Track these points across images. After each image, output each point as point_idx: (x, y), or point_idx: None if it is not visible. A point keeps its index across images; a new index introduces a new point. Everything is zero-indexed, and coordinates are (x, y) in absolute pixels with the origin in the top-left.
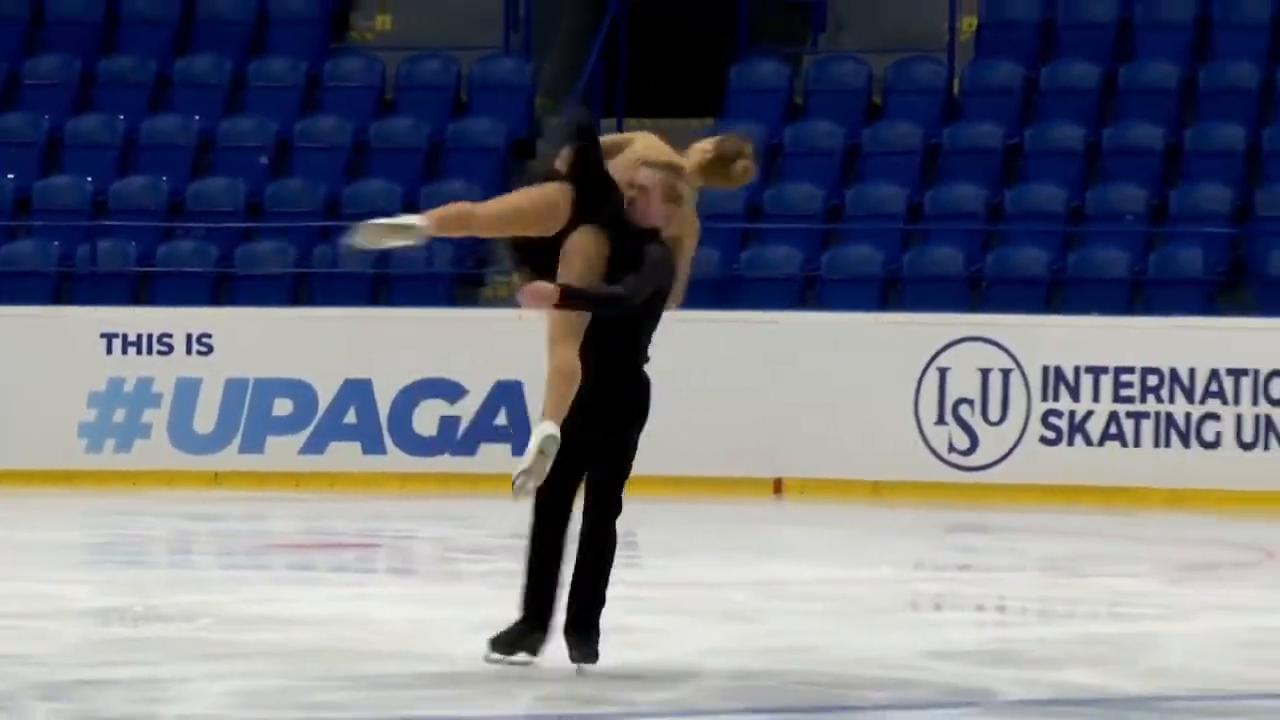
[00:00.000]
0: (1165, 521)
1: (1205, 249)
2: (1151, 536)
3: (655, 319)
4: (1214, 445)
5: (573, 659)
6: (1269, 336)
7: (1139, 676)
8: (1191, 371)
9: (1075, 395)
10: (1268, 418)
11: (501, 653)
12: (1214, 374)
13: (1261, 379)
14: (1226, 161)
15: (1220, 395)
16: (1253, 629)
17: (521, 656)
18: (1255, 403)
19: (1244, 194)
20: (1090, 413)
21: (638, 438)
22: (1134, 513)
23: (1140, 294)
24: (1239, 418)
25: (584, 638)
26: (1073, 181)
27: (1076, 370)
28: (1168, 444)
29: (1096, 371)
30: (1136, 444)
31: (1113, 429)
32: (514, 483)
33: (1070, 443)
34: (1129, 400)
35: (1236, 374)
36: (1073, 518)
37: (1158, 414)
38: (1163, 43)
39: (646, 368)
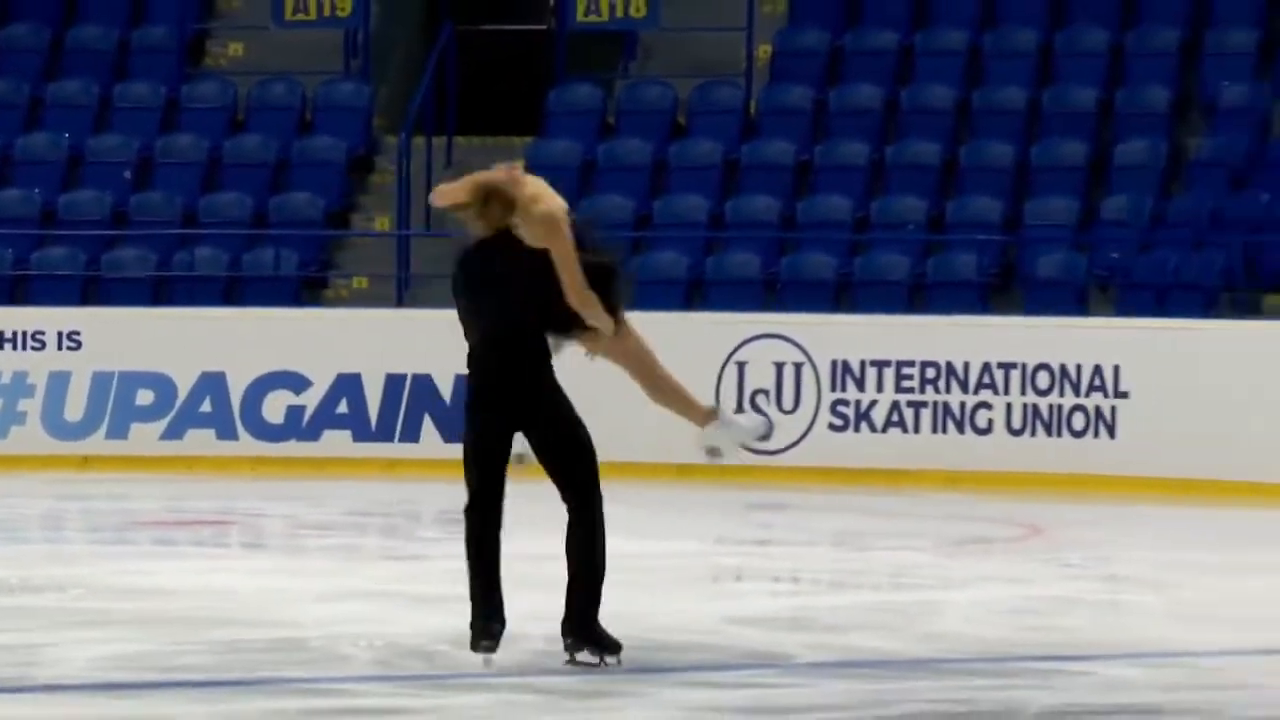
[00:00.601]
0: (942, 500)
1: (979, 254)
2: (930, 514)
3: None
4: (986, 431)
5: (600, 656)
6: (1035, 334)
7: (919, 641)
8: (966, 365)
9: (861, 386)
10: (1034, 406)
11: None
12: (986, 367)
13: (1029, 372)
14: (998, 176)
15: (992, 386)
16: (1020, 597)
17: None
18: (1023, 393)
19: (1013, 205)
20: (875, 402)
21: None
22: (914, 493)
23: (920, 295)
24: (1009, 407)
25: (598, 634)
26: (858, 193)
27: (862, 364)
28: (944, 430)
29: (880, 365)
30: (916, 430)
31: (895, 417)
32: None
33: (857, 429)
34: (909, 391)
35: (1006, 367)
36: (859, 497)
37: (935, 403)
38: (941, 68)
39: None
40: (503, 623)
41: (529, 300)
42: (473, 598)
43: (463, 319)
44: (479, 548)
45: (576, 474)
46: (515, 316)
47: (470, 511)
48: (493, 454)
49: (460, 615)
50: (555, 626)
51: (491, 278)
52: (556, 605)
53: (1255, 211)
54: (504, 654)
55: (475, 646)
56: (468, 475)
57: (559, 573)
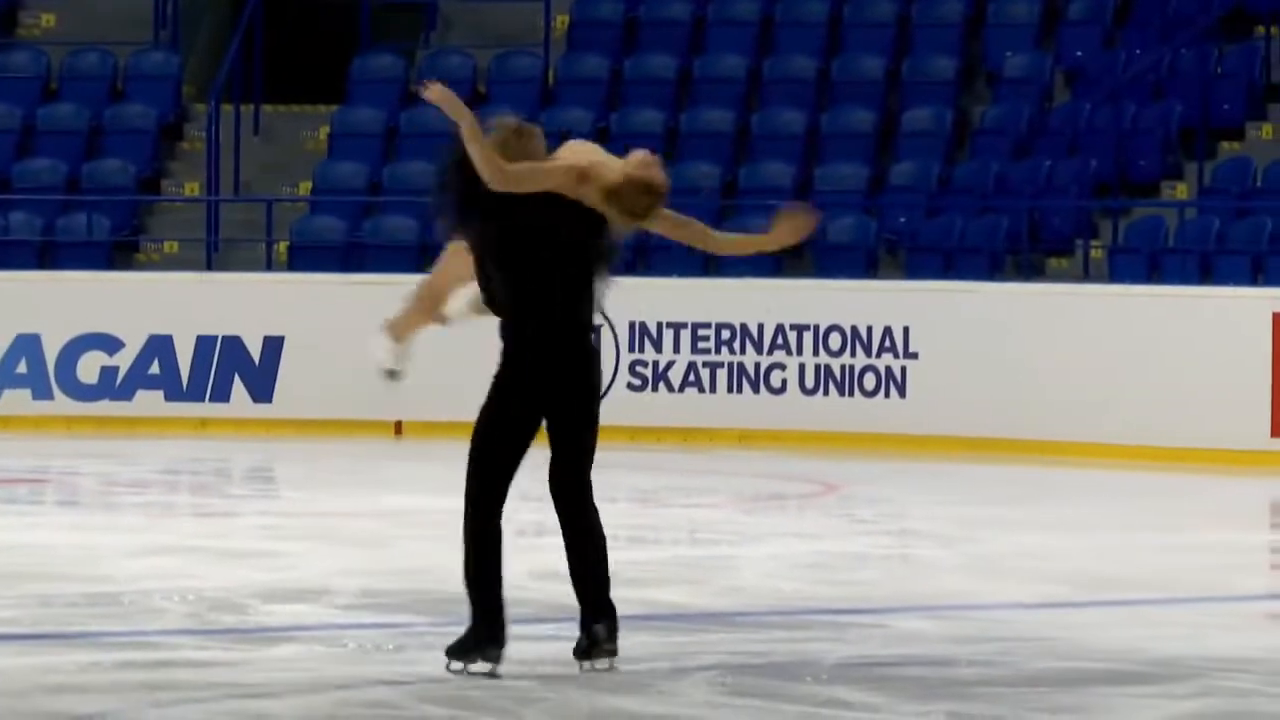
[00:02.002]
0: (738, 458)
1: (769, 218)
2: (726, 471)
3: (590, 278)
4: (780, 391)
5: (603, 654)
6: (827, 296)
7: (717, 595)
8: (760, 326)
9: (658, 347)
10: (826, 367)
11: (461, 661)
12: (780, 329)
13: (821, 333)
14: (789, 142)
15: (785, 347)
16: (814, 552)
17: (480, 666)
18: (815, 354)
19: (804, 171)
20: (672, 363)
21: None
22: (711, 451)
23: (715, 259)
24: (801, 367)
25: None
26: None
27: (659, 326)
28: (740, 390)
29: (677, 327)
30: (712, 390)
31: (691, 377)
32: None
33: (655, 389)
34: (706, 352)
35: (799, 329)
36: (658, 455)
37: (731, 364)
38: (733, 38)
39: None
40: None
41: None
42: (483, 600)
43: (543, 281)
44: (491, 543)
45: (584, 472)
46: (597, 301)
47: (482, 501)
48: (525, 445)
49: (269, 570)
50: (365, 580)
51: (595, 253)
52: (367, 560)
53: (1037, 177)
54: (314, 607)
55: (486, 656)
56: (487, 462)
57: (370, 529)
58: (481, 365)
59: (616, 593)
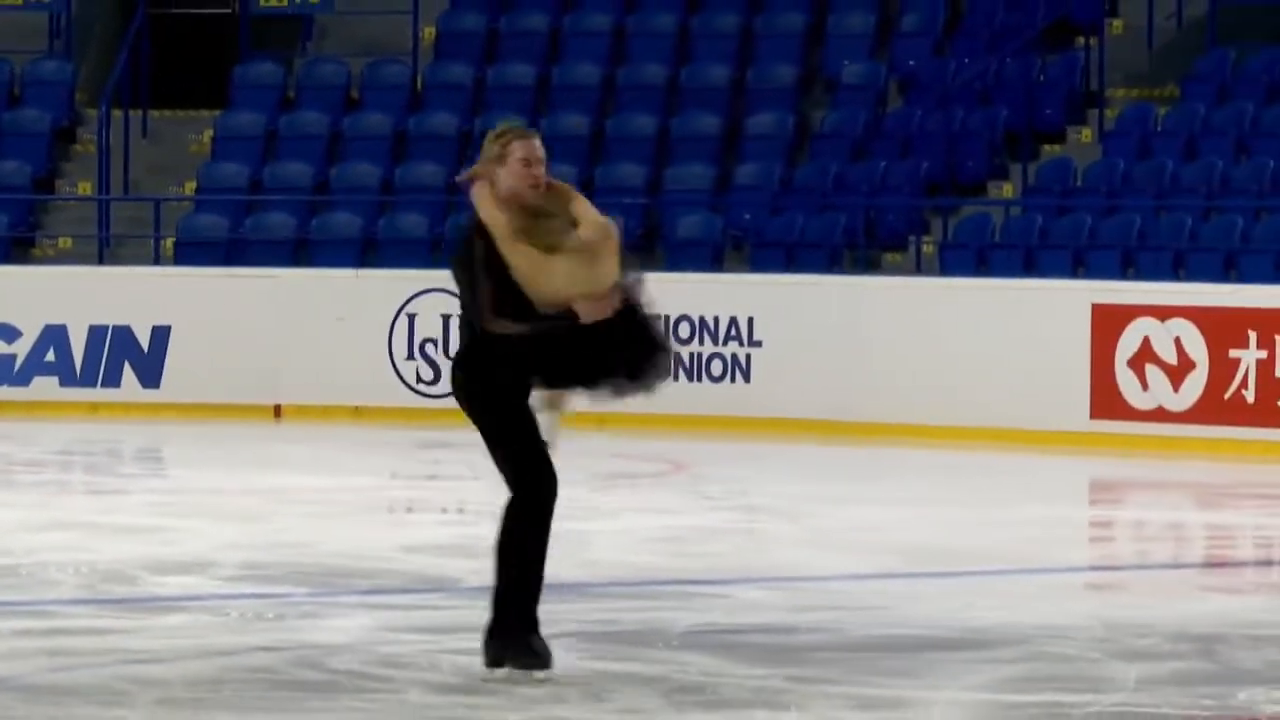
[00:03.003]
0: (592, 439)
1: (625, 216)
2: (582, 451)
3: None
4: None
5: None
6: (677, 288)
7: (572, 567)
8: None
9: None
10: (677, 355)
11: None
12: None
13: (671, 323)
14: (641, 145)
15: None
16: (664, 527)
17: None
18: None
19: (655, 171)
20: None
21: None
22: (568, 432)
23: None
24: None
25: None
26: None
27: None
28: None
29: None
30: None
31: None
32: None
33: None
34: None
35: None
36: None
37: None
38: (588, 48)
39: None
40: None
41: None
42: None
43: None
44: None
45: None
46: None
47: (542, 492)
48: None
49: (157, 544)
50: (247, 554)
51: None
52: (249, 534)
53: (873, 178)
54: (200, 579)
55: (543, 664)
56: (528, 461)
57: (252, 505)
58: (352, 353)
59: (478, 563)
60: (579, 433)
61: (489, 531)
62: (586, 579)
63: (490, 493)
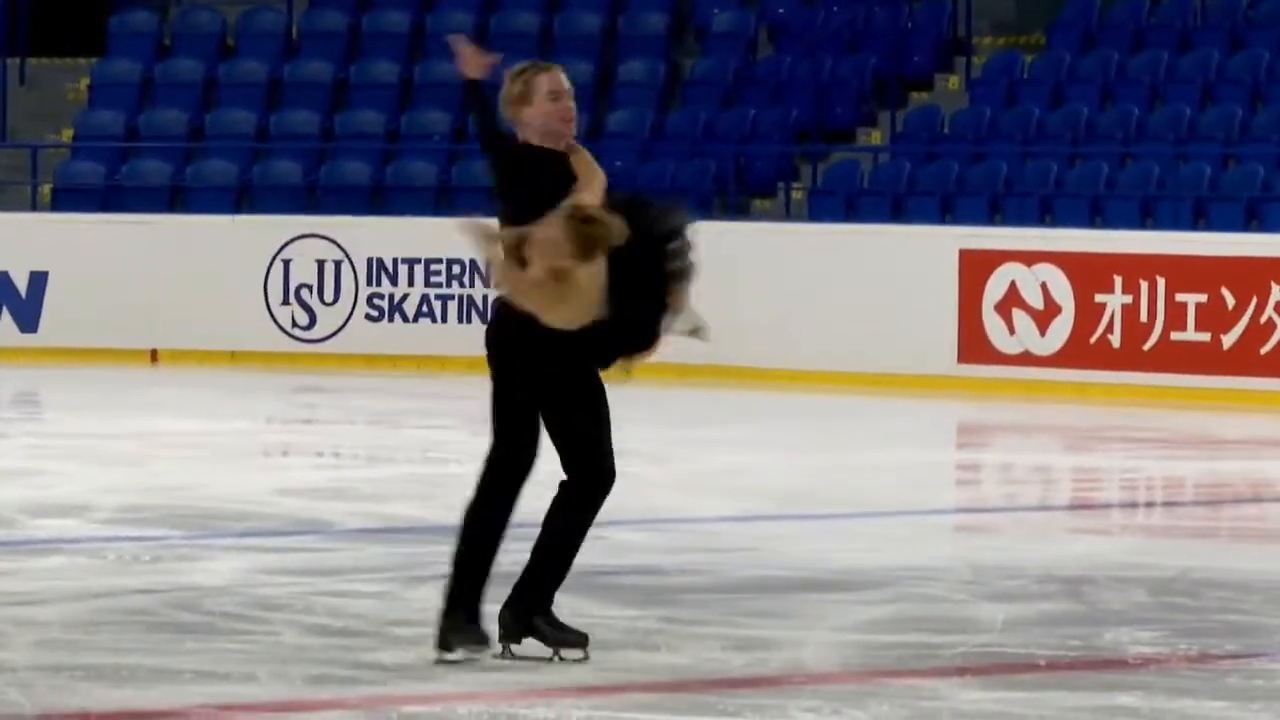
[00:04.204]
0: (466, 383)
1: None
2: (456, 395)
3: None
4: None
5: (550, 642)
6: None
7: (449, 509)
8: (488, 262)
9: (394, 281)
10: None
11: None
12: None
13: None
14: None
15: None
16: (539, 470)
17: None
18: None
19: None
20: (406, 295)
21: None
22: (442, 377)
23: (446, 198)
24: None
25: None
26: (390, 108)
27: (395, 261)
28: (469, 321)
29: (411, 262)
30: (444, 320)
31: (425, 309)
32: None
33: (391, 320)
34: (438, 285)
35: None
36: (393, 381)
37: (461, 296)
38: None
39: None
40: None
41: None
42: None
43: None
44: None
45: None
46: None
47: (606, 478)
48: None
49: (35, 488)
50: (124, 497)
51: None
52: (126, 478)
53: (743, 125)
54: (77, 522)
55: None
56: (596, 441)
57: (129, 449)
58: (228, 299)
59: (354, 506)
60: (454, 376)
61: (364, 475)
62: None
63: (364, 437)
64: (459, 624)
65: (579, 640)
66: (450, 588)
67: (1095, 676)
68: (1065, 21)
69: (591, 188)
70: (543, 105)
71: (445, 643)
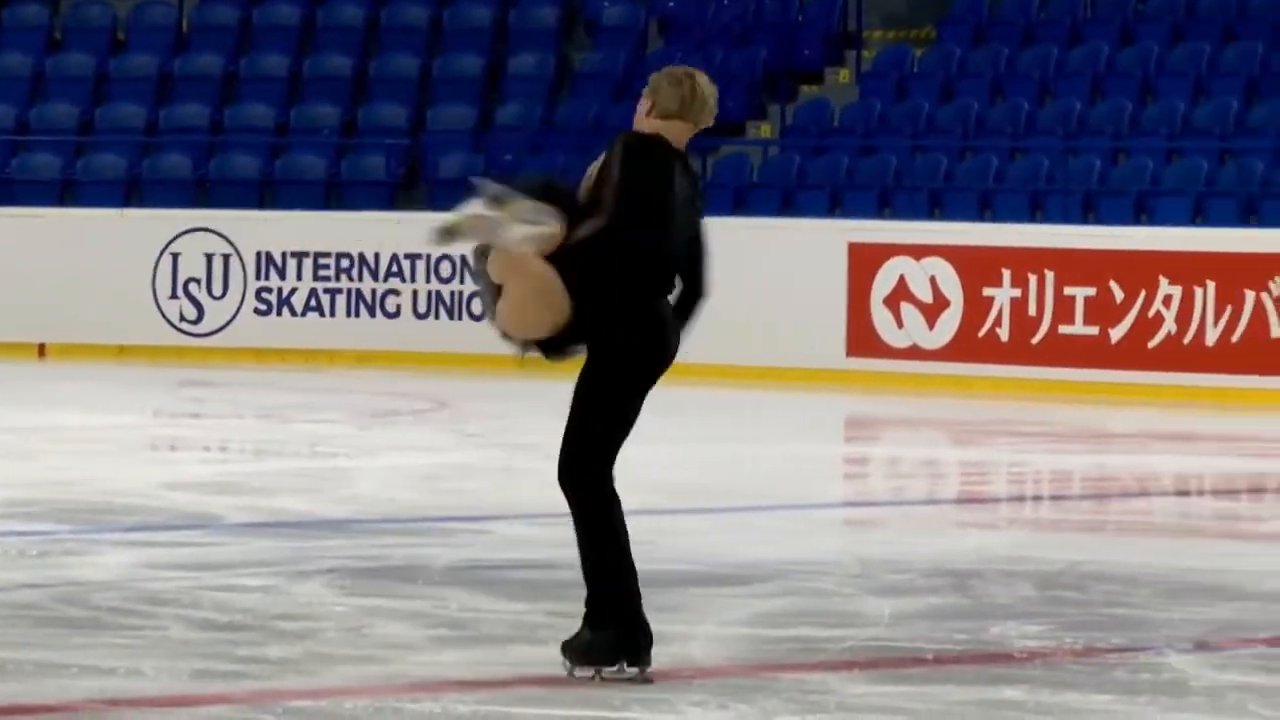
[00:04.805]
0: (355, 377)
1: (387, 157)
2: (344, 389)
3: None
4: (394, 315)
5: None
6: None
7: (336, 503)
8: (376, 256)
9: (282, 275)
10: (438, 293)
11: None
12: (395, 258)
13: (433, 262)
14: (403, 86)
15: (400, 275)
16: (427, 465)
17: (629, 670)
18: (428, 281)
19: (417, 112)
20: (295, 289)
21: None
22: (331, 371)
23: (335, 193)
24: (415, 293)
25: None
26: (279, 101)
27: (284, 255)
28: (358, 315)
29: (300, 256)
30: (332, 315)
31: (313, 302)
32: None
33: (279, 314)
34: (326, 279)
35: (413, 258)
36: (281, 375)
37: (349, 290)
38: None
39: None
40: None
41: None
42: (624, 595)
43: (672, 257)
44: (620, 525)
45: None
46: None
47: (605, 480)
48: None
49: None
50: (12, 491)
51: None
52: (13, 472)
53: (632, 118)
54: None
55: (638, 661)
56: (604, 440)
57: (17, 443)
58: (117, 293)
59: (241, 500)
60: (342, 370)
61: (253, 469)
62: (350, 515)
63: (251, 431)
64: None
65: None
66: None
67: (981, 670)
68: (956, 16)
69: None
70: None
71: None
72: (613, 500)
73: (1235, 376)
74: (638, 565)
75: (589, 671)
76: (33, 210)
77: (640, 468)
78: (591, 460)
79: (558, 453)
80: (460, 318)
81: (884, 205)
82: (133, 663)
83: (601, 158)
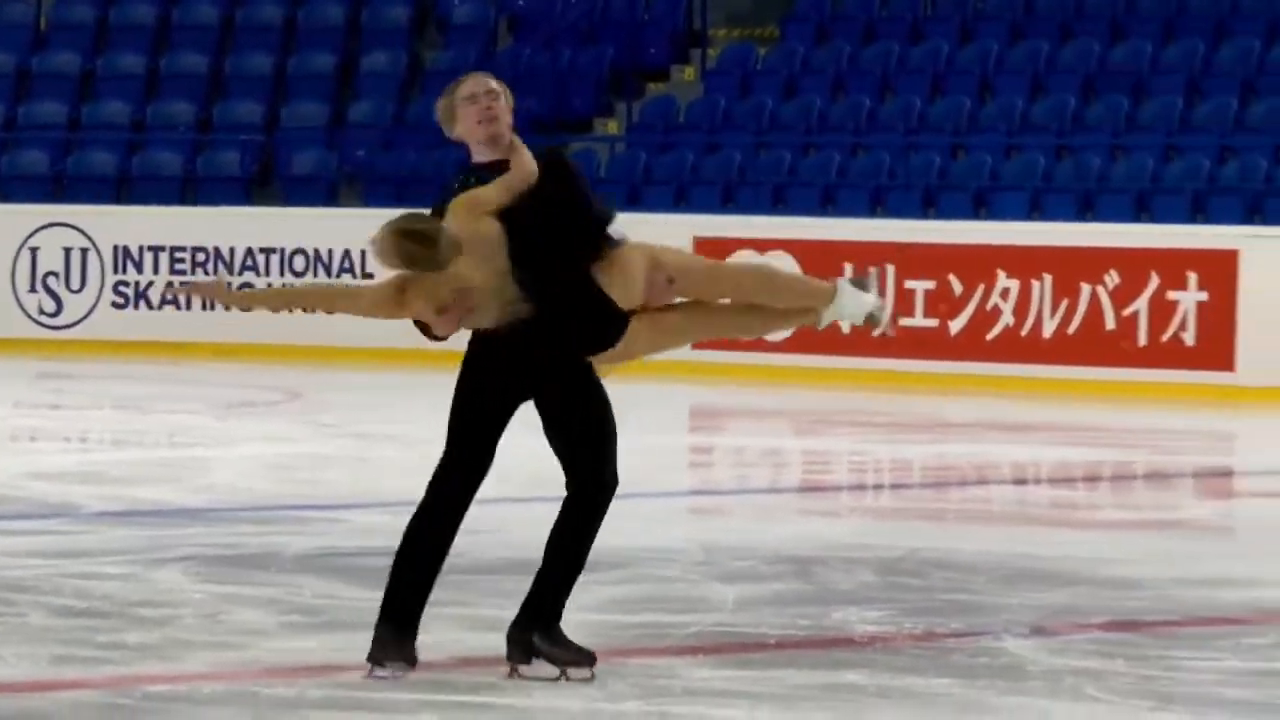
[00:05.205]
0: (212, 369)
1: (242, 153)
2: (201, 381)
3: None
4: (250, 308)
5: (558, 662)
6: (293, 223)
7: (194, 493)
8: (232, 250)
9: (140, 269)
10: (291, 285)
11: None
12: (250, 252)
13: (287, 256)
14: (258, 83)
15: (255, 269)
16: (281, 454)
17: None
18: (283, 275)
19: (272, 110)
20: (152, 283)
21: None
22: (188, 363)
23: (191, 189)
24: (270, 287)
25: (559, 638)
26: (136, 99)
27: (141, 249)
28: (214, 308)
29: (157, 250)
30: (189, 307)
31: (168, 296)
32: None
33: (136, 307)
34: (183, 273)
35: (268, 252)
36: (140, 367)
37: None
38: None
39: None
40: None
41: None
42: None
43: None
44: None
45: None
46: None
47: (615, 482)
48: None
49: None
50: None
51: None
52: None
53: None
54: None
55: (587, 660)
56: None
57: None
58: None
59: (101, 490)
60: (199, 363)
61: (112, 459)
62: (207, 504)
63: (110, 422)
64: (393, 638)
65: (586, 659)
66: (390, 598)
67: (824, 654)
68: (798, 14)
69: (499, 184)
70: (464, 111)
71: (376, 657)
72: None
73: (1071, 368)
74: (493, 554)
75: (586, 672)
76: None
77: (496, 458)
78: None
79: (587, 465)
80: (314, 311)
81: (728, 200)
82: None
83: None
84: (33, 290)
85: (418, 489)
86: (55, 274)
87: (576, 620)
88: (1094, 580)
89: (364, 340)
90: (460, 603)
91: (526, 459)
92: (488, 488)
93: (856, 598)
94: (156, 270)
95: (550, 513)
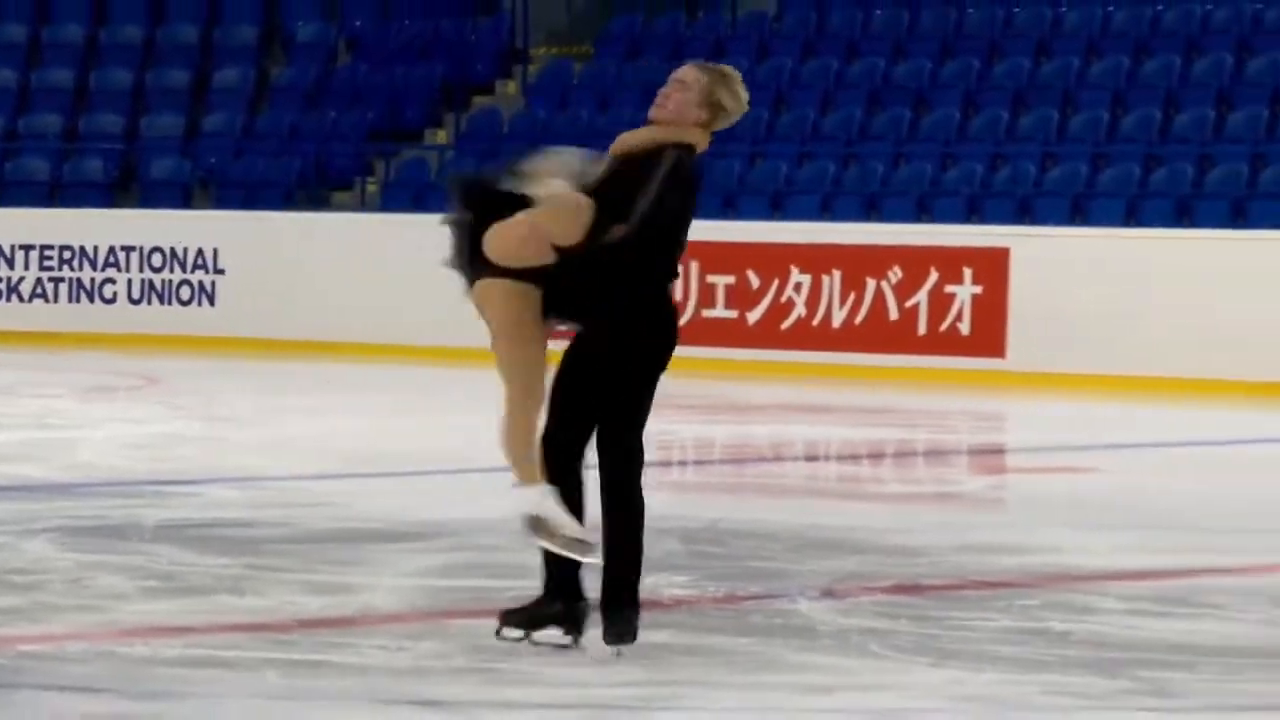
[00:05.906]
0: (77, 357)
1: (105, 160)
2: (68, 368)
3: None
4: (112, 301)
5: (607, 640)
6: (151, 223)
7: (60, 469)
8: (95, 248)
9: (11, 265)
10: (150, 281)
11: (520, 628)
12: (112, 250)
13: (146, 253)
14: (121, 97)
15: (116, 265)
16: (141, 434)
17: (553, 633)
18: (142, 270)
19: (133, 121)
20: (22, 278)
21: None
22: (55, 351)
23: (59, 192)
24: (130, 281)
25: (618, 614)
26: (8, 111)
27: (13, 247)
28: (79, 301)
29: (27, 248)
30: (56, 301)
31: (39, 290)
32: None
33: (8, 300)
34: (50, 269)
35: (128, 250)
36: (11, 355)
37: (71, 279)
38: (73, 9)
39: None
40: None
41: None
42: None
43: (676, 242)
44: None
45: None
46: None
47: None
48: None
49: None
50: None
51: None
52: None
53: (324, 126)
54: None
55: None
56: (639, 412)
57: None
58: None
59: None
60: (65, 351)
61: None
62: (73, 480)
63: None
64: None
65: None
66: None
67: None
68: (611, 34)
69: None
70: None
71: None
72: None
73: (859, 355)
74: (327, 523)
75: (616, 649)
76: None
77: (328, 437)
78: (640, 430)
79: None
80: (170, 303)
81: None
82: None
83: (618, 155)
84: None
85: (259, 465)
86: None
87: (407, 585)
88: (879, 548)
89: (214, 329)
90: (296, 569)
91: (350, 439)
92: (310, 465)
93: (664, 565)
94: (27, 267)
95: (376, 487)
